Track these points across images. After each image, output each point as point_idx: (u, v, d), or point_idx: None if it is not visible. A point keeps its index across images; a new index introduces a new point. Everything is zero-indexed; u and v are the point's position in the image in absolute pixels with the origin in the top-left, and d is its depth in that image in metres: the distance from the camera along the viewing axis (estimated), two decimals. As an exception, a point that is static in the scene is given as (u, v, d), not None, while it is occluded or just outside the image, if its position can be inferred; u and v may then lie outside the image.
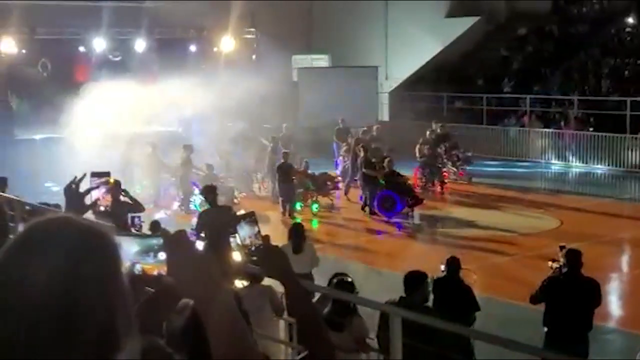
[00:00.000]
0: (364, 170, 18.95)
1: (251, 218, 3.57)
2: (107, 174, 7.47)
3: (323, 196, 19.61)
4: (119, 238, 1.58)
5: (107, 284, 1.46)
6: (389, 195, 18.27)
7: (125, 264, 2.03)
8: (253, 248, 3.22)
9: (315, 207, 19.18)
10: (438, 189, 21.58)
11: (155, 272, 2.20)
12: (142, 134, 21.16)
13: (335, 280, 7.73)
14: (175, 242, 2.01)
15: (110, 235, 1.51)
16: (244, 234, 3.29)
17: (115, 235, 1.53)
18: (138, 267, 2.31)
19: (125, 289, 1.50)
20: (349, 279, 7.81)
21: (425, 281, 7.54)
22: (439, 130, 22.82)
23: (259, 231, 3.32)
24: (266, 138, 21.93)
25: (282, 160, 18.95)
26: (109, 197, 10.70)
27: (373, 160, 19.15)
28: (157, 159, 20.09)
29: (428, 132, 22.52)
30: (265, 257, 2.41)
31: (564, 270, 8.41)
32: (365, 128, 22.56)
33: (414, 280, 7.49)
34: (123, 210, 11.56)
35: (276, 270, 2.38)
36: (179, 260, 1.97)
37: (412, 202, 18.37)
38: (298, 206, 19.11)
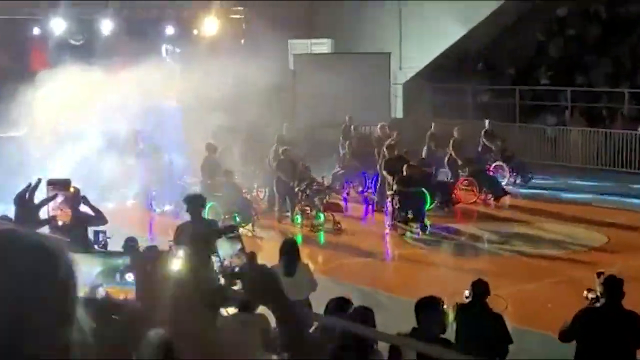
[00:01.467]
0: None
1: (233, 233, 3.50)
2: (67, 182, 7.40)
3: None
4: (78, 256, 1.56)
5: (56, 311, 1.44)
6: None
7: (85, 288, 2.02)
8: (236, 269, 3.18)
9: (321, 217, 19.20)
10: (491, 201, 21.20)
11: (121, 297, 2.18)
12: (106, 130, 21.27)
13: (351, 309, 7.61)
14: (145, 262, 2.01)
15: (63, 253, 1.49)
16: (224, 252, 3.23)
17: (72, 253, 1.51)
18: (101, 291, 2.29)
19: (78, 318, 1.48)
20: (365, 307, 7.73)
21: (440, 308, 7.53)
22: (487, 127, 22.90)
23: (242, 248, 3.29)
24: (249, 135, 22.12)
25: (282, 157, 19.57)
26: (68, 211, 10.71)
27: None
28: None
29: (455, 131, 22.28)
30: (251, 279, 2.37)
31: (602, 301, 8.34)
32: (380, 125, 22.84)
33: (426, 308, 7.49)
34: (84, 224, 11.55)
35: (265, 296, 2.34)
36: (149, 282, 1.97)
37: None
38: (298, 219, 19.31)
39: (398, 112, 31.48)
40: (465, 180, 21.51)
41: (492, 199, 21.16)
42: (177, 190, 19.76)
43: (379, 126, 23.24)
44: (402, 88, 32.07)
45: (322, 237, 18.75)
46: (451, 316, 8.13)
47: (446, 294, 9.71)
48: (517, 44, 31.30)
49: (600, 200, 22.07)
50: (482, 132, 22.89)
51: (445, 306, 7.84)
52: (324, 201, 19.52)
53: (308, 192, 19.41)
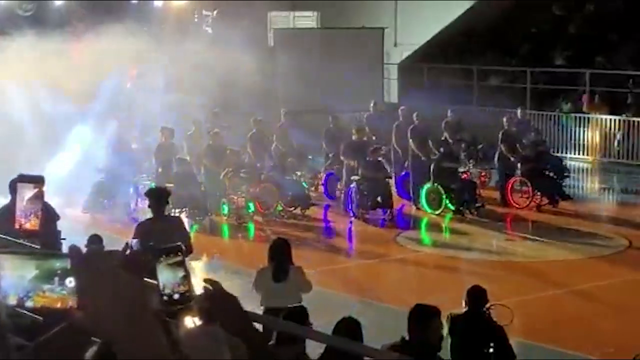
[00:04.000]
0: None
1: (175, 256, 3.45)
2: (41, 179, 7.30)
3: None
4: (5, 257, 1.59)
5: None
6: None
7: (14, 296, 2.05)
8: (176, 296, 3.17)
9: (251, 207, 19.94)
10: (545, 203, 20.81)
11: (58, 305, 2.20)
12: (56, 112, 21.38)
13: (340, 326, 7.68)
14: (88, 264, 2.03)
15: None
16: (163, 279, 3.20)
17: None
18: (29, 304, 2.27)
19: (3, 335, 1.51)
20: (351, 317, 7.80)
21: (436, 318, 7.59)
22: (519, 116, 22.63)
23: (185, 276, 3.27)
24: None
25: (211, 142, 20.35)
26: (39, 213, 10.77)
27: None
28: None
29: (505, 121, 21.97)
30: (213, 307, 2.39)
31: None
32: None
33: (421, 317, 7.55)
34: (52, 221, 11.57)
35: (231, 324, 2.37)
36: (93, 288, 1.99)
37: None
38: (225, 209, 19.88)
39: (392, 96, 31.50)
40: (518, 180, 20.97)
41: (549, 202, 20.70)
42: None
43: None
44: (397, 69, 32.11)
45: (251, 229, 19.30)
46: (445, 329, 8.18)
47: (442, 302, 9.79)
48: (531, 20, 31.35)
49: (622, 198, 22.18)
50: (507, 123, 22.34)
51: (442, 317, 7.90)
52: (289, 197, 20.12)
53: (235, 179, 19.86)
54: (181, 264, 3.40)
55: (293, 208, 20.27)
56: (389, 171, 20.57)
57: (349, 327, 7.52)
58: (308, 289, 10.63)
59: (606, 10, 30.19)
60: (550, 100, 28.50)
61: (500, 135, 21.14)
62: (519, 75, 29.45)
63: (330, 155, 21.95)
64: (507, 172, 21.08)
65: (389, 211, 19.62)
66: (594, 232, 18.76)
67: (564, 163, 22.65)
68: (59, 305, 2.15)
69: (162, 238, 11.42)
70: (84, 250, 2.14)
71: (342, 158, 20.62)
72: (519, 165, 20.79)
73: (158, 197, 11.94)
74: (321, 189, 22.08)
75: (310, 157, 22.54)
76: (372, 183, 19.54)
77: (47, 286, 2.16)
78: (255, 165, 20.61)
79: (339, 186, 21.38)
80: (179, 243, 3.26)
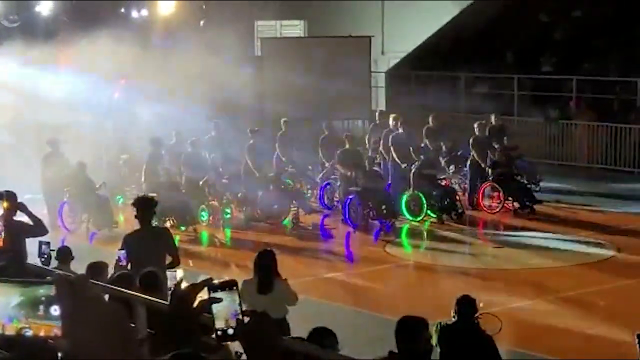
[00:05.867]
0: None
1: (230, 291, 3.41)
2: (6, 195, 7.29)
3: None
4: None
5: None
6: None
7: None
8: (230, 331, 3.18)
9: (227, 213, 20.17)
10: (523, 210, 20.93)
11: (42, 333, 2.20)
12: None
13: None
14: (74, 292, 2.04)
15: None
16: (218, 312, 3.18)
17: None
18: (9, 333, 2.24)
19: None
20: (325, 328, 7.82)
21: (424, 330, 7.58)
22: (493, 122, 22.68)
23: (240, 310, 3.27)
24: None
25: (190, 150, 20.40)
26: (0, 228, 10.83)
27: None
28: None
29: (476, 126, 22.06)
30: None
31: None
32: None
33: (409, 329, 7.55)
34: (20, 236, 11.54)
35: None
36: (79, 316, 2.00)
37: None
38: (204, 216, 20.00)
39: (380, 104, 31.53)
40: (489, 185, 21.15)
41: (519, 207, 20.85)
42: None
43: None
44: (385, 77, 32.13)
45: (228, 234, 19.56)
46: (434, 339, 8.17)
47: (432, 311, 9.80)
48: (518, 26, 31.40)
49: (610, 205, 22.20)
50: (487, 129, 22.47)
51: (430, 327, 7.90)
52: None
53: (216, 186, 20.11)
54: (236, 299, 3.36)
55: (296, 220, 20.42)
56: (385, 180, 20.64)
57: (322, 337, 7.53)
58: (294, 301, 10.55)
59: (593, 15, 30.26)
60: (536, 108, 28.48)
61: (470, 141, 21.38)
62: (506, 82, 29.46)
63: (327, 164, 21.78)
64: (480, 177, 21.37)
65: (392, 221, 19.53)
66: (578, 239, 18.82)
67: (535, 168, 22.90)
68: (42, 333, 2.15)
69: (149, 249, 11.38)
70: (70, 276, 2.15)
71: (338, 167, 20.39)
72: (489, 171, 21.05)
73: (145, 206, 11.77)
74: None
75: (310, 167, 22.49)
76: (374, 193, 19.49)
77: (32, 314, 2.15)
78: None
79: (336, 196, 21.22)
80: (234, 278, 3.24)
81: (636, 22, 29.00)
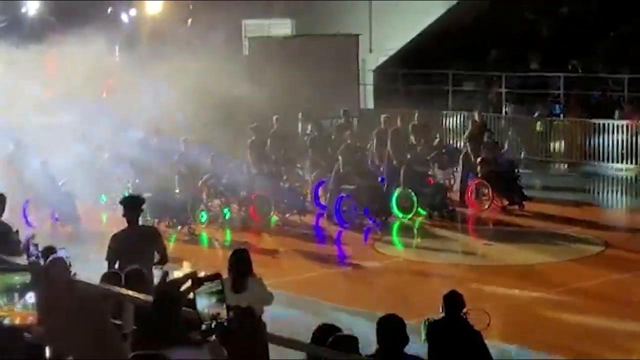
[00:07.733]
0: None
1: (216, 285, 3.36)
2: None
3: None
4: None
5: None
6: None
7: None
8: (213, 324, 3.13)
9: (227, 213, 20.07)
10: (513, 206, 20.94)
11: (17, 321, 2.15)
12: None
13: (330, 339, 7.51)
14: (49, 278, 2.00)
15: None
16: (201, 307, 3.13)
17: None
18: None
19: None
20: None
21: (401, 329, 7.54)
22: (476, 119, 22.73)
23: (223, 304, 3.22)
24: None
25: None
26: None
27: None
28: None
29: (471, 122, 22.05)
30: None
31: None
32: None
33: (386, 328, 7.53)
34: (9, 233, 11.50)
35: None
36: (54, 303, 1.96)
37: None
38: (203, 217, 19.86)
39: (368, 102, 31.52)
40: (478, 182, 21.16)
41: (509, 204, 20.87)
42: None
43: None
44: (373, 75, 32.13)
45: (228, 235, 19.38)
46: (422, 334, 8.16)
47: (423, 308, 9.80)
48: (505, 24, 31.41)
49: (599, 200, 22.27)
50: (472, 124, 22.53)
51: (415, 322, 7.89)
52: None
53: (217, 186, 19.96)
54: (220, 292, 3.33)
55: (289, 215, 20.27)
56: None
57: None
58: (269, 301, 10.41)
59: (580, 12, 30.30)
60: (524, 105, 28.53)
61: (467, 134, 21.56)
62: (493, 79, 29.50)
63: (322, 163, 21.66)
64: (471, 172, 21.42)
65: (384, 219, 19.58)
66: (567, 234, 18.85)
67: (515, 164, 22.63)
68: (18, 321, 2.11)
69: (136, 248, 11.36)
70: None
71: (339, 161, 20.19)
72: (478, 167, 21.10)
73: (133, 205, 11.82)
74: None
75: (298, 165, 22.43)
76: (369, 191, 19.52)
77: (9, 301, 2.11)
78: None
79: (327, 195, 21.11)
80: (218, 272, 3.20)
81: (623, 20, 29.07)
